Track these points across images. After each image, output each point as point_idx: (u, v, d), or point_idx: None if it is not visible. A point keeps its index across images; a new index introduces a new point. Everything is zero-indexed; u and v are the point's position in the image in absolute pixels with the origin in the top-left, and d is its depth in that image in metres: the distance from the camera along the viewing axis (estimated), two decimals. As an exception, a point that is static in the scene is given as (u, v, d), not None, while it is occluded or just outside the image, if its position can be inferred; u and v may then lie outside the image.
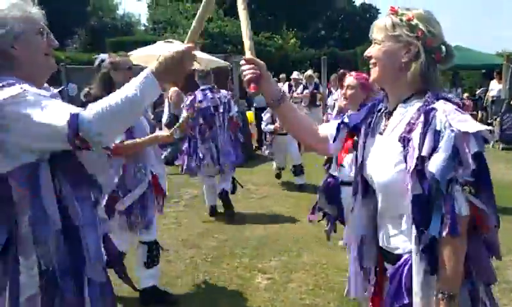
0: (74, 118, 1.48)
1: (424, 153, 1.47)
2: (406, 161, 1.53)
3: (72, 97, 11.84)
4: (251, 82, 1.73)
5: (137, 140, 3.29)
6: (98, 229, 1.78)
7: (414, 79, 1.60)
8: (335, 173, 3.68)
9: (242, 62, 1.75)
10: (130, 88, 1.55)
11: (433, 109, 1.51)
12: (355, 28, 44.17)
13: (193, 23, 1.77)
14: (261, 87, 1.77)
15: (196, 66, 7.80)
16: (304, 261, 4.55)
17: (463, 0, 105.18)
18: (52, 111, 1.51)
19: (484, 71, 18.02)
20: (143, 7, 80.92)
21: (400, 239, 1.64)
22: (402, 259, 1.61)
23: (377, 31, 1.66)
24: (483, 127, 1.46)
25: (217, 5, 29.01)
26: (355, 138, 1.83)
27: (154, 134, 3.39)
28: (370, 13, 47.31)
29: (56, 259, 1.62)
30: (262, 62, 1.77)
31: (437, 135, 1.47)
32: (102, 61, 3.36)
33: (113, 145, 3.16)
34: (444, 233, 1.45)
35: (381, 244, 1.74)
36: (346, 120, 1.87)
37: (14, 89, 1.54)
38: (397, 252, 1.66)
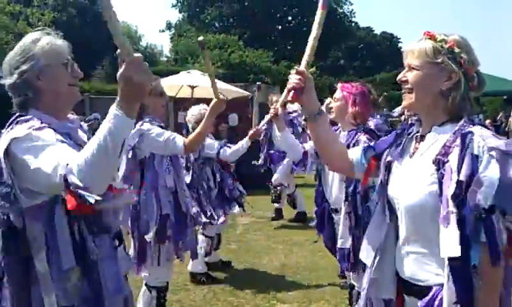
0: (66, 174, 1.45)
1: (462, 177, 1.43)
2: (439, 184, 1.49)
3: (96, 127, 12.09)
4: (293, 90, 1.76)
5: (200, 126, 3.20)
6: (118, 262, 1.77)
7: (453, 107, 1.58)
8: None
9: (293, 71, 1.78)
10: (101, 132, 1.45)
11: (470, 132, 1.49)
12: (375, 57, 44.28)
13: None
14: (302, 99, 1.79)
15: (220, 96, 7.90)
16: (324, 291, 4.49)
17: (484, 26, 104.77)
18: (43, 162, 1.51)
19: (505, 97, 17.84)
20: (166, 39, 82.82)
21: (429, 270, 1.56)
22: (432, 292, 1.53)
23: (415, 55, 1.61)
24: None
25: (237, 36, 29.56)
26: (379, 161, 1.82)
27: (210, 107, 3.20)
28: (391, 42, 47.44)
29: (76, 297, 1.63)
30: (310, 76, 1.78)
31: (475, 159, 1.43)
32: None
33: (187, 144, 3.12)
34: (485, 263, 1.39)
35: (403, 276, 1.67)
36: (372, 144, 1.88)
37: (23, 129, 1.59)
38: (425, 284, 1.57)
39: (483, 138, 1.46)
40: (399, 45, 48.20)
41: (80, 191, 1.43)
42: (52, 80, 1.72)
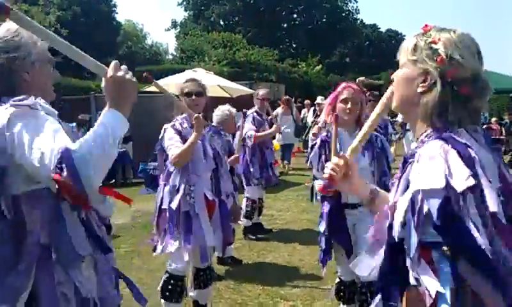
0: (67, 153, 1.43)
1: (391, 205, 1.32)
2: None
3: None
4: (329, 180, 1.60)
5: (187, 144, 3.29)
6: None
7: (426, 113, 1.34)
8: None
9: (334, 159, 1.62)
10: (100, 126, 1.50)
11: (416, 153, 1.29)
12: (381, 54, 44.17)
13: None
14: (346, 188, 1.66)
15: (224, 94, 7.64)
16: (328, 289, 4.49)
17: (490, 23, 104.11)
18: (42, 142, 1.47)
19: (511, 95, 17.77)
20: (171, 37, 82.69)
21: None
22: None
23: (400, 52, 1.46)
24: (440, 184, 1.15)
25: (241, 34, 29.56)
26: None
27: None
28: (396, 39, 47.28)
29: (94, 286, 1.65)
30: (354, 165, 1.63)
31: (407, 186, 1.27)
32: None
33: None
34: None
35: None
36: None
37: (22, 105, 1.54)
38: None
39: (422, 159, 1.24)
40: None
41: (72, 179, 1.41)
42: (40, 74, 1.70)
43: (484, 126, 13.37)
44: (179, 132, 3.37)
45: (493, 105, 19.90)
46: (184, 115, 3.47)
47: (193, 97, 3.44)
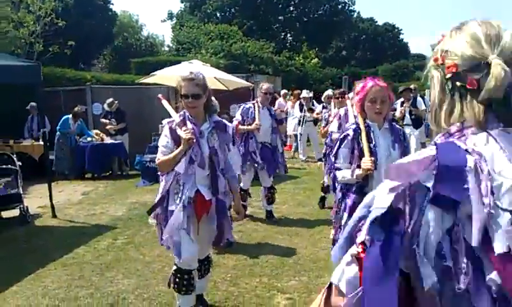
0: None
1: None
2: None
3: (97, 116, 12.05)
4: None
5: (174, 154, 3.35)
6: None
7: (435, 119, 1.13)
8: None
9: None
10: None
11: None
12: (377, 48, 44.12)
13: None
14: None
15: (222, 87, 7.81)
16: (325, 282, 4.46)
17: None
18: None
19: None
20: (167, 29, 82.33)
21: None
22: None
23: None
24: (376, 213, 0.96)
25: (237, 26, 29.44)
26: None
27: None
28: (392, 33, 47.23)
29: None
30: None
31: None
32: None
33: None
34: None
35: None
36: None
37: None
38: None
39: None
40: (401, 36, 48.17)
41: None
42: None
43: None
44: (174, 133, 3.35)
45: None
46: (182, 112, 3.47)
47: (190, 99, 3.33)
